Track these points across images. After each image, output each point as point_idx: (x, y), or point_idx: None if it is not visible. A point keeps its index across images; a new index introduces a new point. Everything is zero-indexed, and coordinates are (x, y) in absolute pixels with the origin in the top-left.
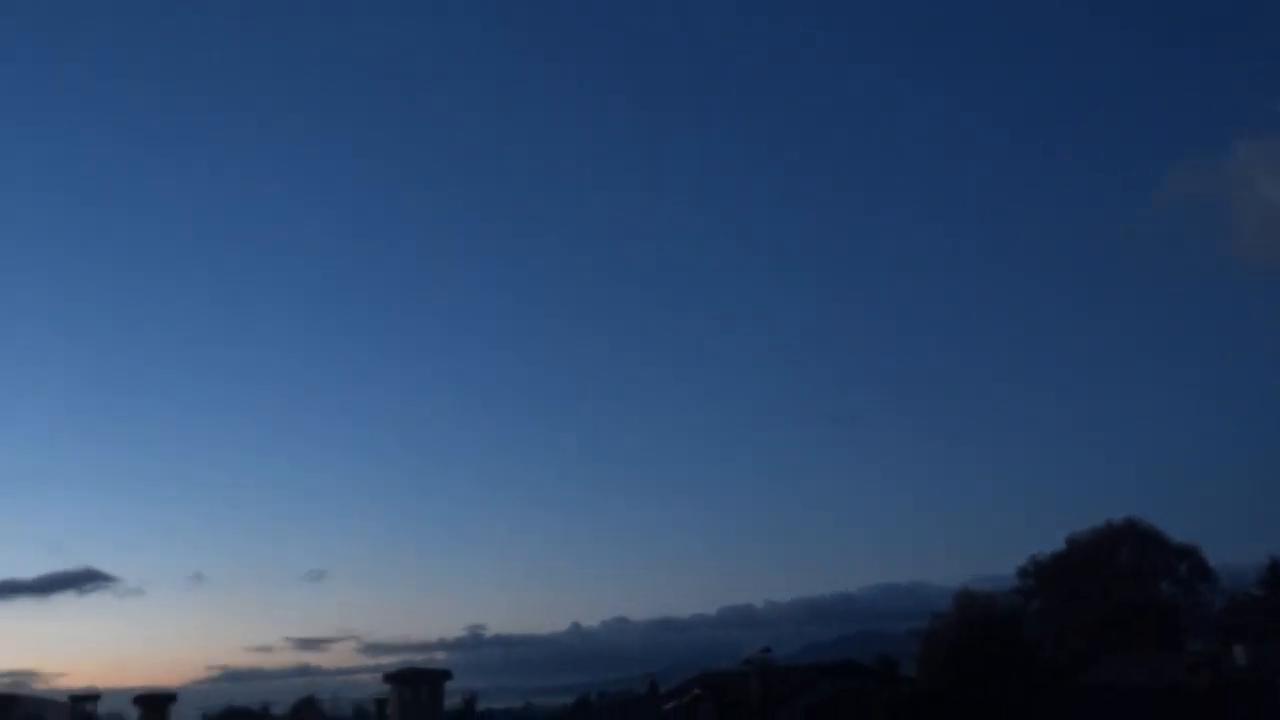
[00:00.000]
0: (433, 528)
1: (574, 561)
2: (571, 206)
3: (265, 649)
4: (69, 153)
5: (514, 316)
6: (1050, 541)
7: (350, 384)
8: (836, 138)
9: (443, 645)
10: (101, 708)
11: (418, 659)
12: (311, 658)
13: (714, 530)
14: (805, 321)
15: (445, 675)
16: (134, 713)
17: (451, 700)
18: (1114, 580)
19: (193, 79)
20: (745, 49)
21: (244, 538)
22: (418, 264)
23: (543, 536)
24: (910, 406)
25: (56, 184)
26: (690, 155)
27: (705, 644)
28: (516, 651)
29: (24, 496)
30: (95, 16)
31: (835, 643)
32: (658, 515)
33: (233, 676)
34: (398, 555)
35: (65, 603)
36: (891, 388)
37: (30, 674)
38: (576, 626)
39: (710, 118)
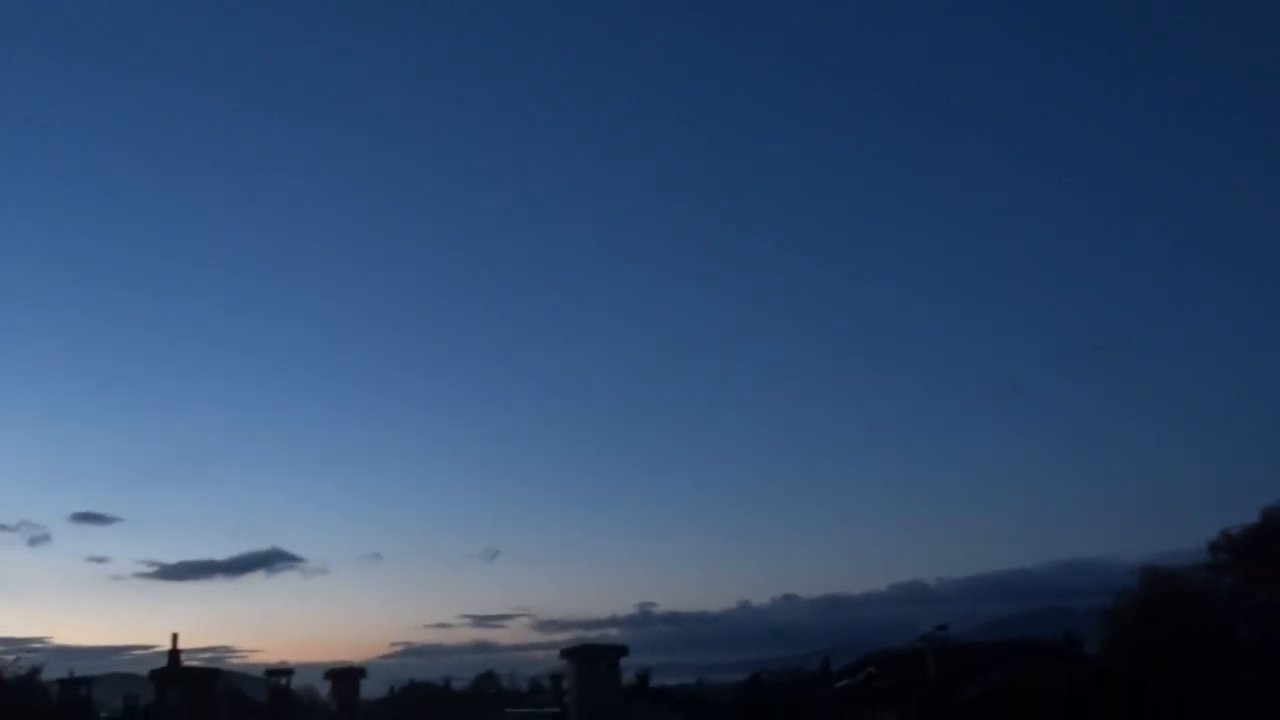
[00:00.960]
0: (603, 506)
1: (743, 539)
2: (771, 194)
3: (444, 626)
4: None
5: (686, 303)
6: (1243, 514)
7: (523, 367)
8: (994, 104)
9: (614, 622)
10: (294, 682)
11: (590, 636)
12: (487, 634)
13: (884, 506)
14: (972, 291)
15: (622, 651)
16: (325, 687)
17: (625, 676)
18: None
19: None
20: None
21: (419, 518)
22: (594, 257)
23: (712, 514)
24: (1088, 376)
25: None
26: (848, 131)
27: (876, 622)
28: (686, 629)
29: (219, 481)
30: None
31: (1012, 620)
32: (827, 492)
33: (414, 652)
34: (569, 534)
35: (255, 582)
36: (1068, 357)
37: (227, 649)
38: (745, 604)
39: (865, 86)
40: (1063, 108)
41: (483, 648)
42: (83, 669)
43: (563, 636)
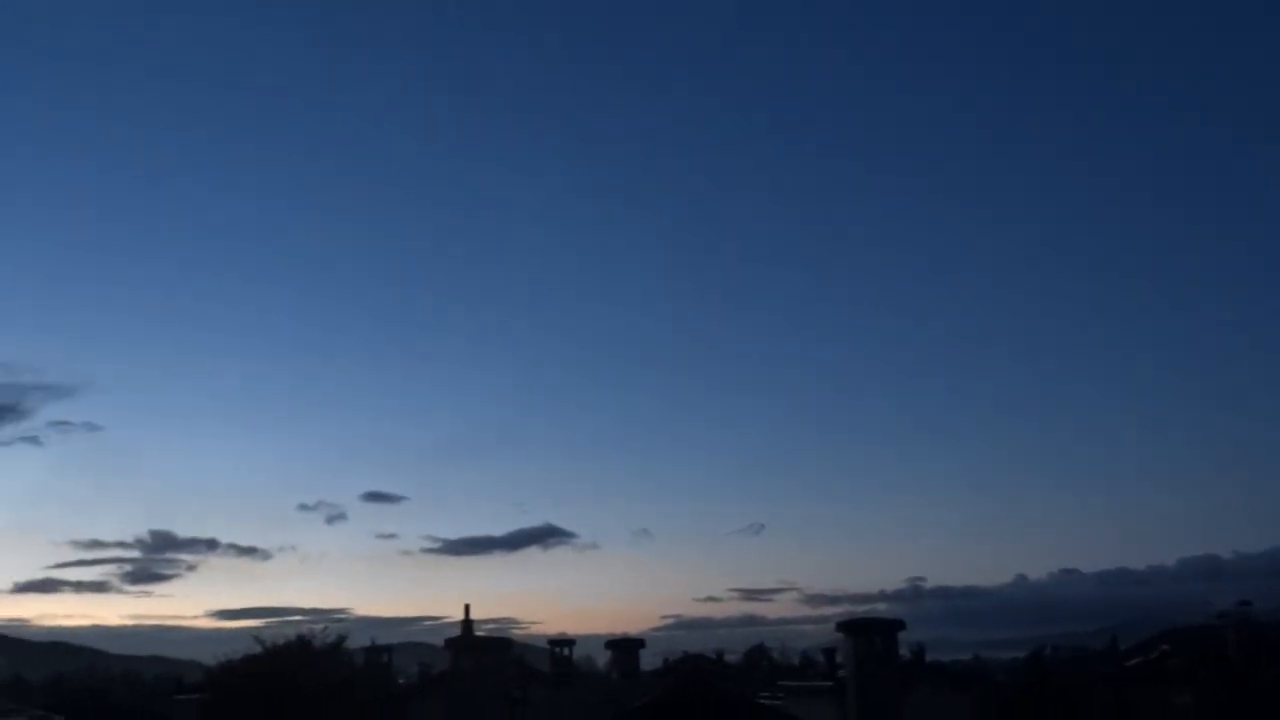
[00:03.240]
0: (869, 478)
1: (1018, 510)
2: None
3: (713, 599)
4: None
5: (933, 278)
6: None
7: (789, 345)
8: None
9: (882, 597)
10: (573, 652)
11: (858, 610)
12: (756, 608)
13: (1172, 476)
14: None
15: (898, 625)
16: (603, 657)
17: (899, 652)
18: None
19: None
20: None
21: (684, 494)
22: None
23: (984, 485)
24: None
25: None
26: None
27: (1164, 598)
28: (958, 604)
29: (496, 462)
30: None
31: None
32: (1108, 461)
33: (684, 625)
34: (835, 507)
35: (531, 557)
36: None
37: (510, 621)
38: (1022, 578)
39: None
40: None
41: (751, 621)
42: (381, 638)
43: (830, 611)
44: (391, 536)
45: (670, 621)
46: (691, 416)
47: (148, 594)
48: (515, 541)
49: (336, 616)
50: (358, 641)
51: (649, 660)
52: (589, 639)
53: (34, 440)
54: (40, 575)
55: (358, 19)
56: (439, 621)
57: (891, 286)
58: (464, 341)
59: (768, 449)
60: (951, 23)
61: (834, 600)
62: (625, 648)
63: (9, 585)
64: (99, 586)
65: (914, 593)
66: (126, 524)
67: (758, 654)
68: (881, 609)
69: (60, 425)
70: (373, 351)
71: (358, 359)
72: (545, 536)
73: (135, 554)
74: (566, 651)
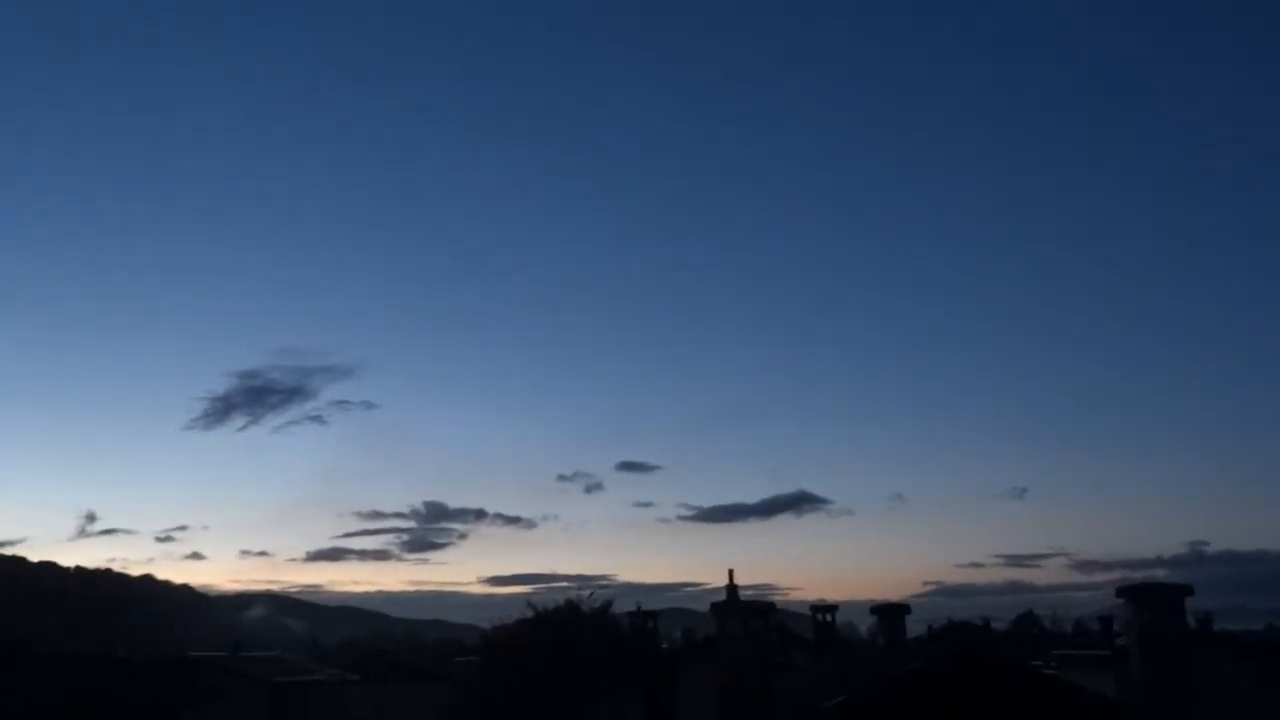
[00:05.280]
0: (1141, 440)
1: None
2: None
3: (976, 565)
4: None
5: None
6: None
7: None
8: None
9: (1160, 563)
10: (836, 619)
11: (1135, 577)
12: (1022, 574)
13: None
14: None
15: (1186, 590)
16: (864, 624)
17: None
18: None
19: None
20: None
21: (940, 458)
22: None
23: (1274, 438)
24: None
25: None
26: None
27: None
28: (1246, 569)
29: (746, 430)
30: None
31: None
32: None
33: (946, 592)
34: (1103, 470)
35: (785, 523)
36: None
37: (769, 587)
38: None
39: None
40: None
41: (1017, 588)
42: (645, 604)
43: (1103, 578)
44: (647, 505)
45: (932, 588)
46: (946, 381)
47: (424, 561)
48: (769, 509)
49: (600, 583)
50: (622, 607)
51: (913, 627)
52: (848, 605)
53: (319, 419)
54: (329, 544)
55: None
56: (699, 588)
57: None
58: (714, 312)
59: (1027, 409)
60: None
61: (1107, 567)
62: (890, 614)
63: (303, 554)
64: (381, 555)
65: (1195, 558)
66: (402, 496)
67: (1027, 621)
68: (1160, 575)
69: (341, 404)
70: (622, 325)
71: (606, 333)
72: (799, 503)
73: (411, 524)
74: (829, 618)
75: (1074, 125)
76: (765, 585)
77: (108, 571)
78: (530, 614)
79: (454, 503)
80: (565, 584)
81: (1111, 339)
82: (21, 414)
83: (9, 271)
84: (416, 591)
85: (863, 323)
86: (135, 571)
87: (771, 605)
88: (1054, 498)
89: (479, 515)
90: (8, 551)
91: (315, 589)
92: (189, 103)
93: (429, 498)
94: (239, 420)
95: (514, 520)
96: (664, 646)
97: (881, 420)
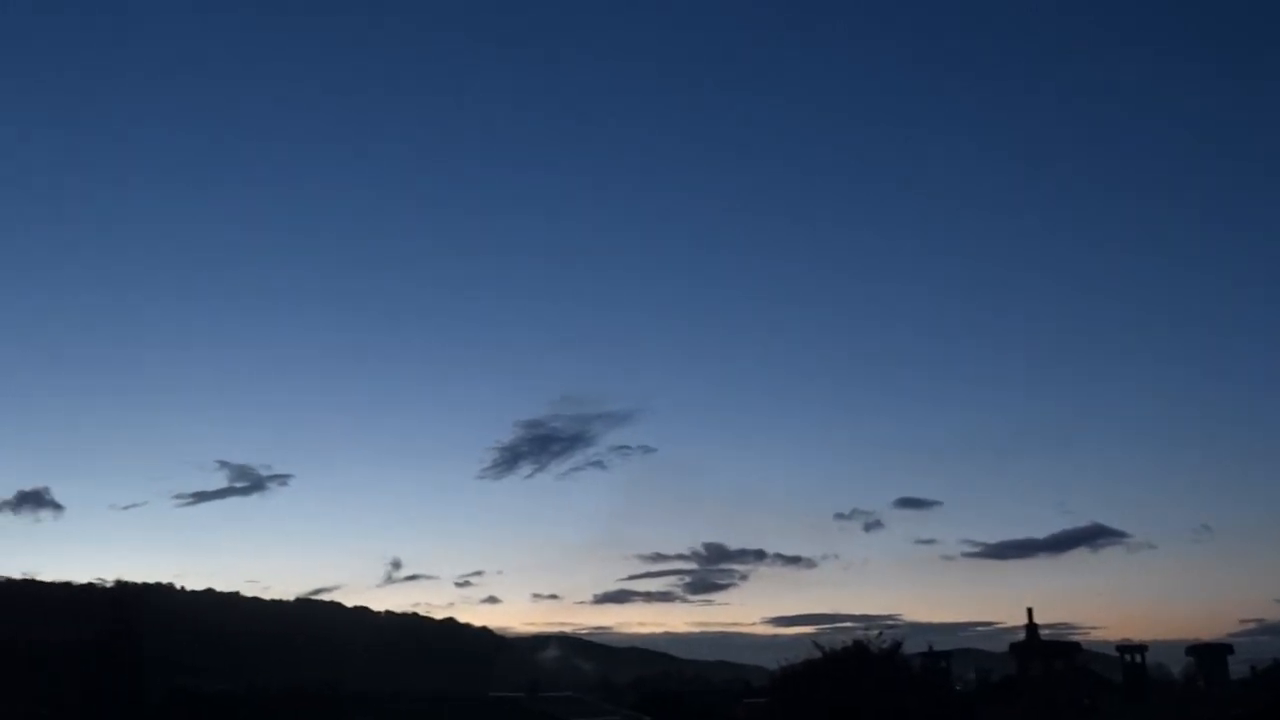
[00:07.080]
0: None
1: None
2: None
3: None
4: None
5: None
6: None
7: None
8: None
9: None
10: (1146, 659)
11: None
12: None
13: None
14: None
15: None
16: (1177, 665)
17: None
18: None
19: None
20: None
21: (1250, 484)
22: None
23: None
24: None
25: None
26: None
27: None
28: None
29: (1030, 461)
30: None
31: None
32: None
33: (1270, 630)
34: None
35: (1078, 559)
36: None
37: (1066, 625)
38: None
39: None
40: None
41: None
42: (935, 644)
43: None
44: (930, 542)
45: (1252, 626)
46: (1229, 402)
47: (708, 602)
48: (1060, 543)
49: (887, 623)
50: (911, 647)
51: (1235, 668)
52: (1157, 646)
53: (600, 464)
54: (615, 587)
55: None
56: (990, 627)
57: None
58: (991, 336)
59: None
60: None
61: None
62: (1211, 654)
63: (590, 596)
64: (665, 596)
65: None
66: (682, 538)
67: None
68: None
69: (620, 449)
70: (894, 359)
71: (878, 369)
72: (1093, 537)
73: (693, 565)
74: (1139, 658)
75: None
76: (1063, 624)
77: (414, 616)
78: (818, 654)
79: (734, 544)
80: (850, 624)
81: None
82: (334, 472)
83: (331, 344)
84: (702, 632)
85: (1151, 345)
86: (439, 615)
87: (1076, 645)
88: None
89: (759, 556)
90: (325, 598)
91: (604, 630)
92: (505, 163)
93: (709, 539)
94: (526, 468)
95: (794, 560)
96: (957, 688)
97: (1183, 445)
